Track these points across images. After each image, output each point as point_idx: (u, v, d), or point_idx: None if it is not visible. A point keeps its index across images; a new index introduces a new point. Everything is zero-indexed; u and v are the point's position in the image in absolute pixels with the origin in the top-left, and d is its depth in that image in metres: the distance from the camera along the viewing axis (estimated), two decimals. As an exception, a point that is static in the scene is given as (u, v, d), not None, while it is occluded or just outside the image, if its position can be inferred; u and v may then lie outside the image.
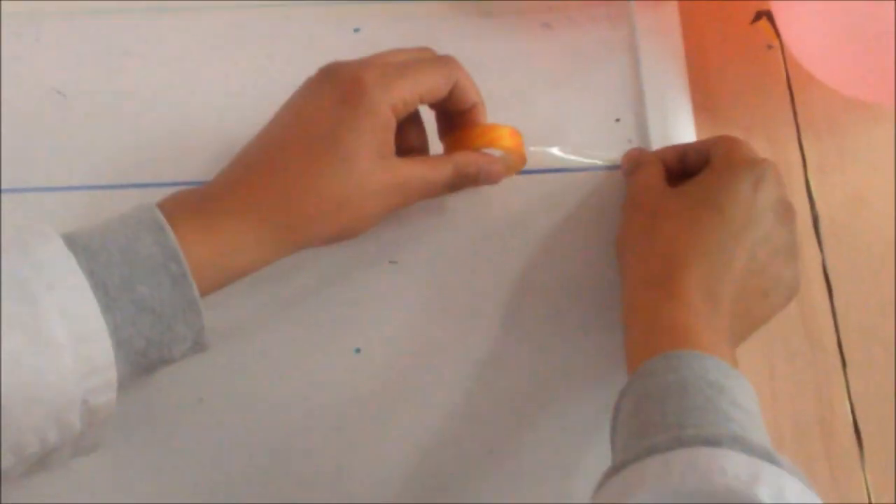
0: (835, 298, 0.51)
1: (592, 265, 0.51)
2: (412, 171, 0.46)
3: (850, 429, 0.49)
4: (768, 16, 0.56)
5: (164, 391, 0.48)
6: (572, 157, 0.53)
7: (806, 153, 0.54)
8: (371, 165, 0.44)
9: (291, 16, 0.56)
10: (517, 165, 0.51)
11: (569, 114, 0.54)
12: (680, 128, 0.53)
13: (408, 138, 0.48)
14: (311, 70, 0.54)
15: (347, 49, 0.54)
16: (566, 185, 0.53)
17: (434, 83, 0.46)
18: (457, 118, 0.49)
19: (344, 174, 0.43)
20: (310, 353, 0.49)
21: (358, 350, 0.49)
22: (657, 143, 0.53)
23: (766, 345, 0.50)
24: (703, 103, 0.55)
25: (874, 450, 0.48)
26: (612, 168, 0.53)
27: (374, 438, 0.48)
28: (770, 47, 0.56)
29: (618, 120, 0.54)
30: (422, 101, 0.46)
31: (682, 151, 0.50)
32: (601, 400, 0.47)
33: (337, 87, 0.44)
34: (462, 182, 0.48)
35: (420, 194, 0.47)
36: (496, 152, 0.49)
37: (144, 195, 0.49)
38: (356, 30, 0.56)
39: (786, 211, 0.46)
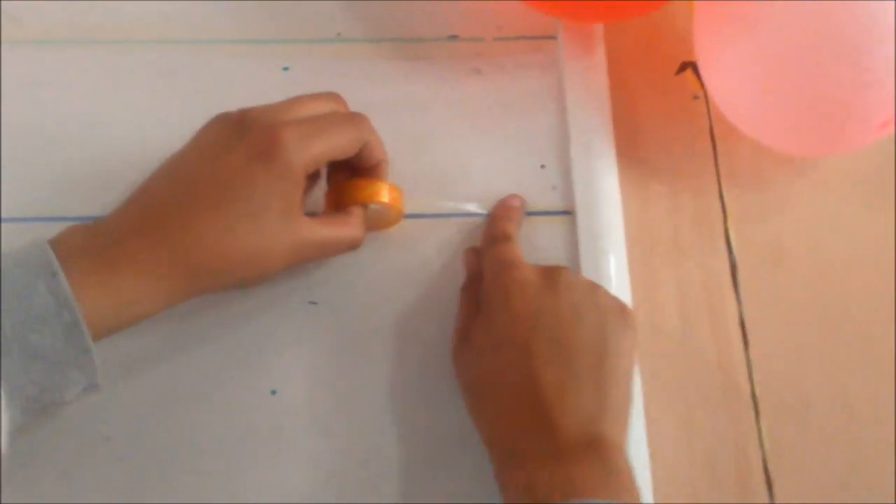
0: (750, 348, 0.51)
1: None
2: (319, 231, 0.47)
3: (763, 475, 0.49)
4: (693, 67, 0.57)
5: (71, 428, 0.47)
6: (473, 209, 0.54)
7: (726, 203, 0.55)
8: (280, 225, 0.44)
9: (222, 53, 0.56)
10: (395, 220, 0.52)
11: (495, 158, 0.55)
12: (604, 176, 0.54)
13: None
14: (240, 107, 0.54)
15: (277, 87, 0.55)
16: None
17: (346, 143, 0.47)
18: (358, 173, 0.49)
19: (252, 231, 0.43)
20: (225, 394, 0.49)
21: (274, 391, 0.49)
22: (581, 190, 0.53)
23: (684, 393, 0.50)
24: (629, 152, 0.55)
25: (784, 495, 0.49)
26: (533, 214, 0.53)
27: (289, 479, 0.48)
28: (696, 97, 0.57)
29: (543, 166, 0.54)
30: (330, 159, 0.47)
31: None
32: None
33: (252, 142, 0.44)
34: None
35: (325, 253, 0.48)
36: (376, 206, 0.50)
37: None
38: (285, 68, 0.56)
39: (544, 279, 0.47)
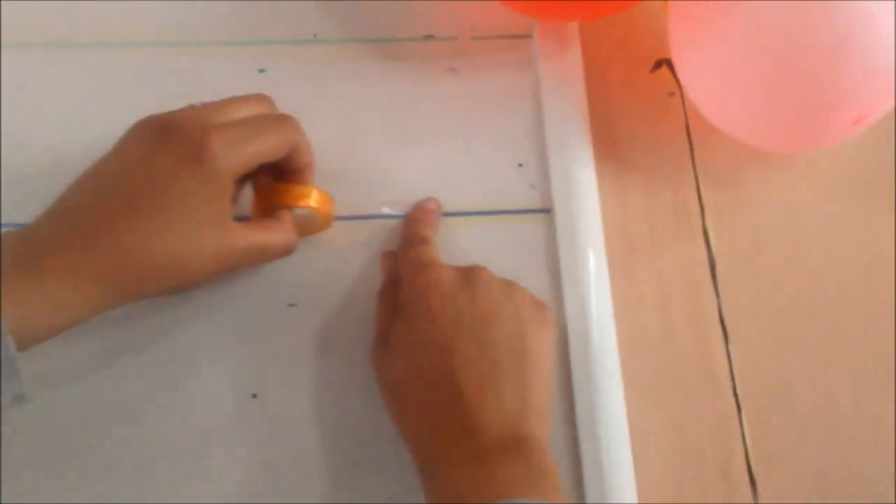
0: (730, 343, 0.51)
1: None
2: (250, 237, 0.46)
3: (746, 471, 0.49)
4: (668, 64, 0.57)
5: (55, 429, 0.47)
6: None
7: (704, 199, 0.55)
8: (209, 231, 0.44)
9: (198, 55, 0.56)
10: (324, 225, 0.52)
11: (472, 158, 0.54)
12: (581, 173, 0.54)
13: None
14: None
15: (253, 89, 0.55)
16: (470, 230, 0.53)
17: (275, 146, 0.46)
18: (285, 174, 0.49)
19: (180, 238, 0.43)
20: (205, 399, 0.48)
21: (255, 395, 0.49)
22: (559, 188, 0.53)
23: (666, 390, 0.50)
24: (606, 149, 0.55)
25: (768, 494, 0.49)
26: (512, 213, 0.53)
27: (271, 483, 0.47)
28: (672, 94, 0.58)
29: (521, 165, 0.54)
30: (259, 163, 0.46)
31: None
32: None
33: (181, 149, 0.43)
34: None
35: (258, 259, 0.48)
36: (304, 211, 0.50)
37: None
38: (261, 70, 0.56)
39: (461, 279, 0.46)
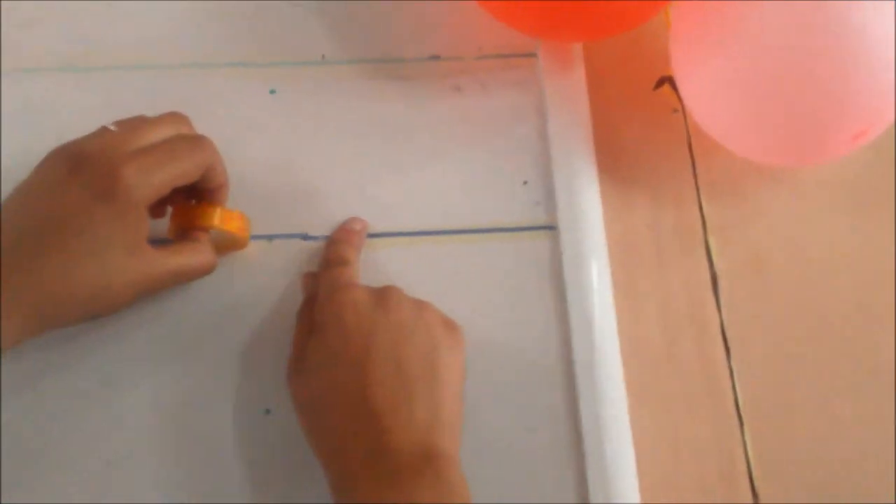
0: (732, 358, 0.52)
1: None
2: (168, 262, 0.47)
3: (748, 484, 0.50)
4: (671, 81, 0.58)
5: (73, 448, 0.48)
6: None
7: (706, 214, 0.55)
8: (124, 260, 0.45)
9: (208, 77, 0.57)
10: (241, 244, 0.53)
11: (478, 176, 0.55)
12: (586, 190, 0.55)
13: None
14: (228, 131, 0.55)
15: (264, 110, 0.56)
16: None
17: (190, 169, 0.47)
18: (198, 194, 0.50)
19: (96, 269, 0.44)
20: (218, 415, 0.50)
21: (268, 411, 0.50)
22: (563, 205, 0.54)
23: (669, 404, 0.51)
24: (610, 166, 0.56)
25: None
26: (517, 230, 0.54)
27: (284, 498, 0.48)
28: (675, 111, 0.58)
29: (525, 182, 0.55)
30: (174, 187, 0.47)
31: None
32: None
33: (93, 180, 0.44)
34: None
35: (179, 281, 0.49)
36: (219, 233, 0.51)
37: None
38: (272, 91, 0.57)
39: (376, 299, 0.47)
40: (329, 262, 0.51)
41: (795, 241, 0.55)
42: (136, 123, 0.47)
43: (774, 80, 0.49)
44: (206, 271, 0.50)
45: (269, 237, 0.53)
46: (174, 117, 0.49)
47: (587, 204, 0.54)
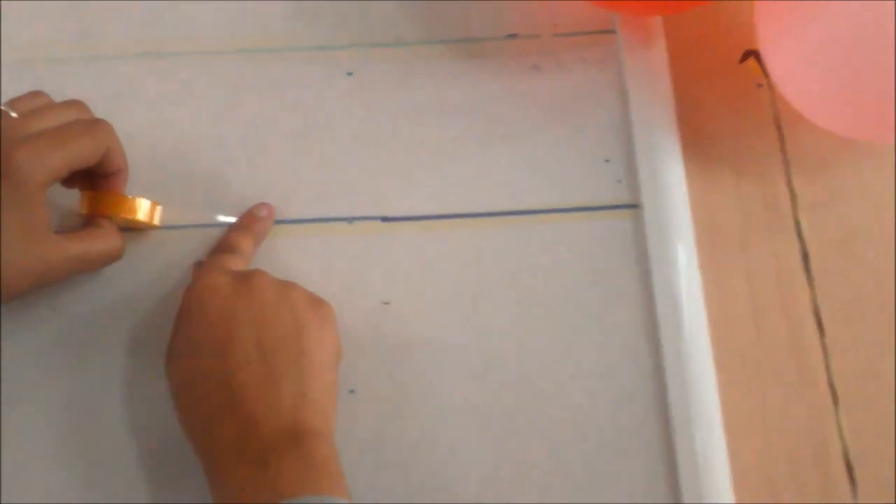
0: (826, 336, 0.51)
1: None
2: (71, 248, 0.47)
3: (844, 466, 0.49)
4: (756, 55, 0.56)
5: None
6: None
7: (796, 191, 0.54)
8: (22, 244, 0.44)
9: (286, 62, 0.57)
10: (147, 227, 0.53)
11: (558, 155, 0.55)
12: (670, 167, 0.54)
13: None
14: (307, 113, 0.55)
15: (342, 92, 0.56)
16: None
17: (87, 152, 0.47)
18: (98, 180, 0.50)
19: None
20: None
21: (352, 391, 0.50)
22: (646, 183, 0.53)
23: (759, 382, 0.50)
24: (693, 142, 0.55)
25: (867, 487, 0.48)
26: (599, 209, 0.53)
27: (369, 482, 0.48)
28: (759, 86, 0.57)
29: (607, 160, 0.55)
30: (70, 171, 0.46)
31: None
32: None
33: None
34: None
35: (85, 267, 0.49)
36: (124, 219, 0.51)
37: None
38: (349, 73, 0.57)
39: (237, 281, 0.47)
40: (216, 249, 0.51)
41: (887, 215, 0.54)
42: (35, 109, 0.48)
43: (866, 51, 0.48)
44: (111, 258, 0.50)
45: (349, 219, 0.53)
46: (73, 103, 0.49)
47: (671, 181, 0.53)
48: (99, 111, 0.52)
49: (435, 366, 0.50)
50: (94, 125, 0.48)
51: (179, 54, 0.58)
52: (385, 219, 0.53)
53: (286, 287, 0.47)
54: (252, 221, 0.52)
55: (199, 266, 0.50)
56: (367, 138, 0.55)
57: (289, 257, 0.53)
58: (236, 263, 0.49)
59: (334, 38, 0.58)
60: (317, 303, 0.47)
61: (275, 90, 0.56)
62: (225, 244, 0.51)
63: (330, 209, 0.53)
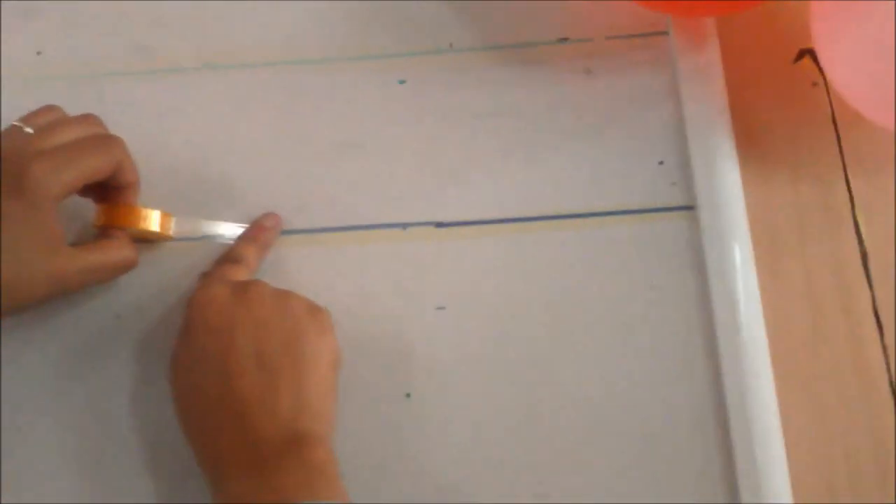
0: (886, 337, 0.50)
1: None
2: (85, 259, 0.48)
3: (906, 469, 0.48)
4: (811, 54, 0.56)
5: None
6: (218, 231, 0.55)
7: (854, 192, 0.53)
8: (36, 256, 0.46)
9: (338, 71, 0.58)
10: (163, 237, 0.54)
11: (612, 158, 0.55)
12: (725, 169, 0.53)
13: None
14: (360, 122, 0.56)
15: (394, 100, 0.57)
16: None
17: (99, 167, 0.48)
18: (110, 191, 0.51)
19: (8, 264, 0.45)
20: (358, 398, 0.50)
21: (408, 395, 0.50)
22: (701, 185, 0.53)
23: (817, 383, 0.50)
24: (748, 143, 0.55)
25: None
26: (654, 211, 0.53)
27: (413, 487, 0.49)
28: (815, 85, 0.56)
29: (661, 163, 0.54)
30: (84, 184, 0.48)
31: None
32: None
33: (4, 177, 0.45)
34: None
35: (99, 278, 0.50)
36: (135, 230, 0.52)
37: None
38: (401, 81, 0.58)
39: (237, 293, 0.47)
40: (221, 259, 0.52)
41: (950, 216, 0.53)
42: (51, 123, 0.49)
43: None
44: (125, 268, 0.51)
45: (403, 225, 0.54)
46: (86, 118, 0.51)
47: (727, 182, 0.53)
48: (158, 123, 0.53)
49: (489, 371, 0.51)
50: (107, 140, 0.50)
51: (233, 67, 0.59)
52: (439, 224, 0.54)
53: (284, 296, 0.48)
54: (258, 232, 0.53)
55: (203, 277, 0.52)
56: (419, 145, 0.56)
57: (345, 264, 0.53)
58: (239, 273, 0.50)
59: (385, 47, 0.59)
60: (315, 310, 0.48)
61: (327, 100, 0.57)
62: (229, 254, 0.52)
63: (384, 216, 0.54)
